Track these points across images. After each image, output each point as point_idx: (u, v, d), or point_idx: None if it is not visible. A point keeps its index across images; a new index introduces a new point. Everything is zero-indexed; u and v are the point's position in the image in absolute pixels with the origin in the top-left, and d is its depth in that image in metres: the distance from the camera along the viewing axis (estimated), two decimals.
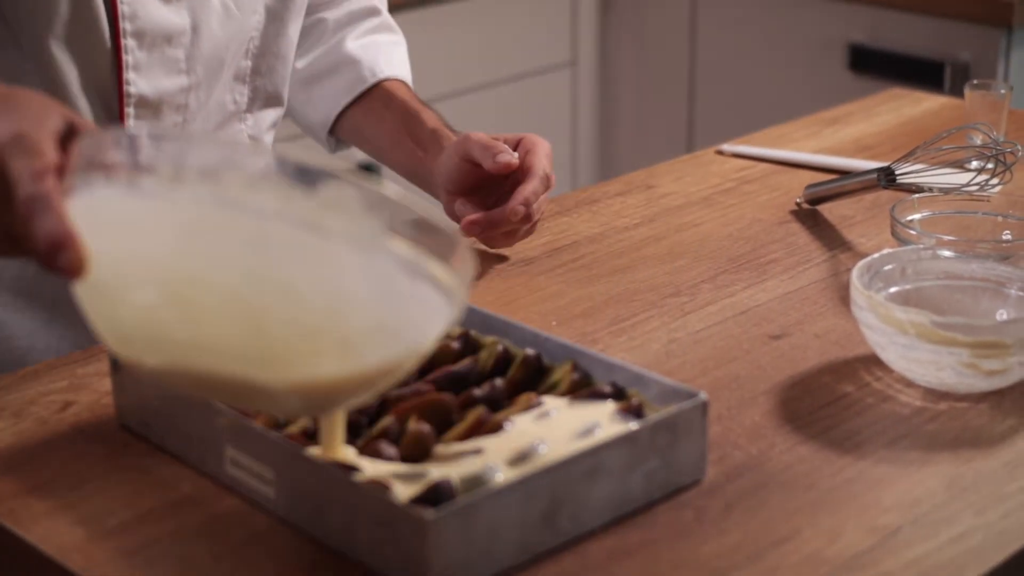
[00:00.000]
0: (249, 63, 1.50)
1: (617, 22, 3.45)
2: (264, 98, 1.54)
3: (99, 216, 0.93)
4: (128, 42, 1.36)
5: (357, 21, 1.66)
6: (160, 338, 0.94)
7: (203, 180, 0.91)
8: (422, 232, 0.93)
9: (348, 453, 1.04)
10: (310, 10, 1.63)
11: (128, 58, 1.37)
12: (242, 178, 0.91)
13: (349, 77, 1.63)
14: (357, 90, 1.63)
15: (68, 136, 0.97)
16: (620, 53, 3.47)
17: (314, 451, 1.04)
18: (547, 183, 1.44)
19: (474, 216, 1.43)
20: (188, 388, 0.98)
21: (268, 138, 1.57)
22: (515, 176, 1.44)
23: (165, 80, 1.41)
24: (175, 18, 1.39)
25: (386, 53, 1.65)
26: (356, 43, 1.65)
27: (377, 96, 1.62)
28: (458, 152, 1.47)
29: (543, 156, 1.44)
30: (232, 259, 0.91)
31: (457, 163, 1.46)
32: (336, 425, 1.04)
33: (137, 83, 1.38)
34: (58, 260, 0.90)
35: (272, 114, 1.56)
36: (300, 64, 1.64)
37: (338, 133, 1.66)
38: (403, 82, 1.64)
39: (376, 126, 1.61)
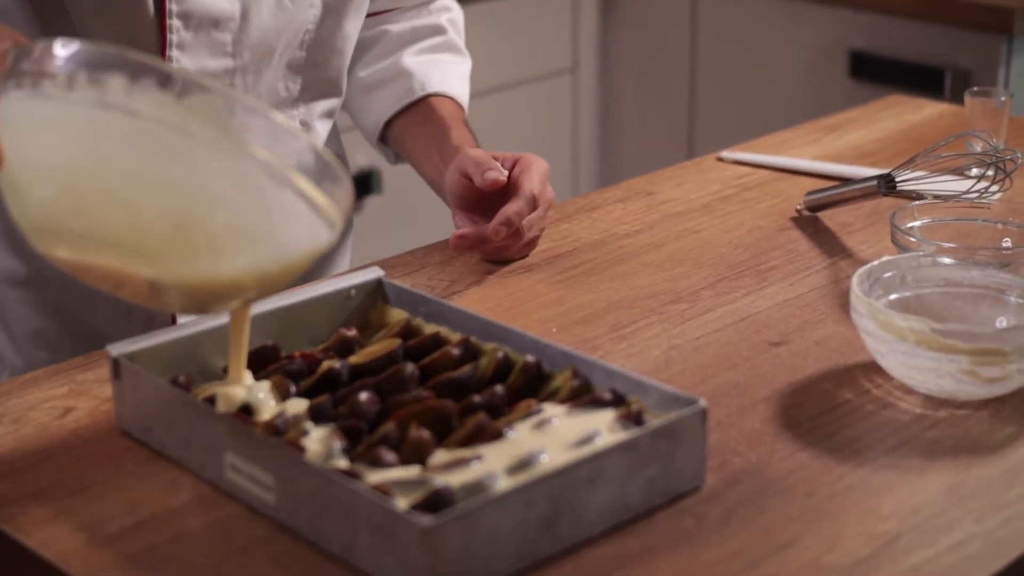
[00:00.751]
0: (304, 54, 1.53)
1: (618, 28, 3.45)
2: (318, 88, 1.57)
3: (11, 118, 1.05)
4: (174, 22, 1.40)
5: (421, 38, 1.69)
6: (62, 230, 1.06)
7: (91, 85, 1.03)
8: (313, 160, 1.06)
9: (247, 380, 1.14)
10: (376, 21, 1.66)
11: (172, 37, 1.41)
12: (123, 84, 1.03)
13: (400, 89, 1.66)
14: (404, 101, 1.66)
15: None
16: (621, 59, 3.47)
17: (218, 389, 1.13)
18: (533, 204, 1.44)
19: (462, 231, 1.44)
20: (94, 281, 1.09)
21: (321, 125, 1.61)
22: (508, 194, 1.45)
23: (210, 61, 1.44)
24: (224, 3, 1.43)
25: (442, 71, 1.68)
26: (414, 58, 1.68)
27: (421, 109, 1.65)
28: (457, 167, 1.48)
29: (535, 176, 1.45)
30: (112, 157, 1.03)
31: (457, 178, 1.48)
32: (238, 348, 1.14)
33: (180, 60, 1.42)
34: None
35: (327, 104, 1.60)
36: (362, 73, 1.68)
37: (387, 142, 1.69)
38: (453, 99, 1.66)
39: (414, 138, 1.64)
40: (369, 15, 1.63)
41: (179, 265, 1.06)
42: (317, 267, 1.66)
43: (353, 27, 1.57)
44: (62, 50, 1.04)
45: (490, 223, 1.42)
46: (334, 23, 1.53)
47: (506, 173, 1.45)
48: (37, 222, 1.07)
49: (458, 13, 1.73)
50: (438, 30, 1.69)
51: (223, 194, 1.04)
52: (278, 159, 1.04)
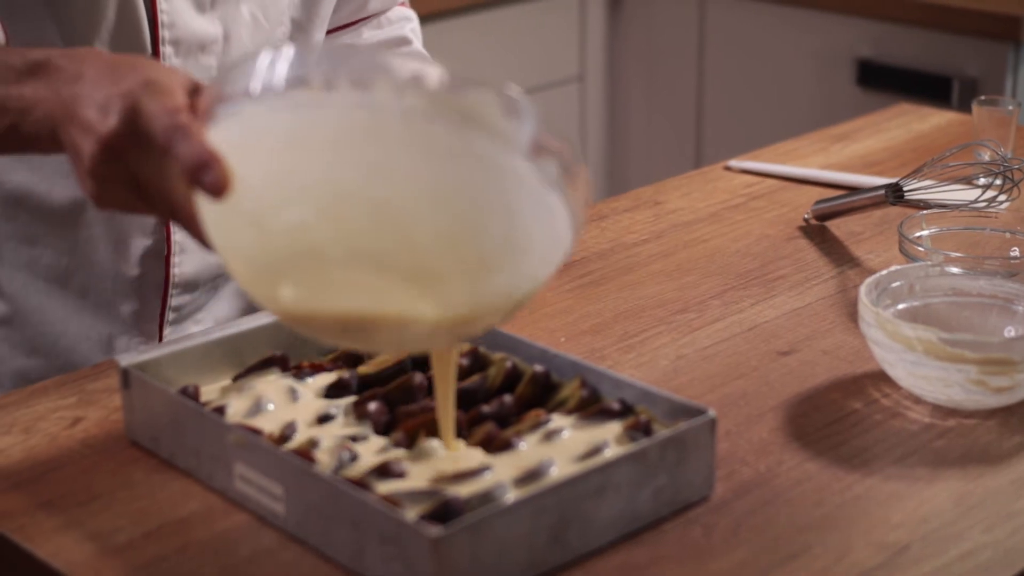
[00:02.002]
0: None
1: (625, 36, 3.45)
2: None
3: (244, 137, 0.95)
4: (166, 49, 1.38)
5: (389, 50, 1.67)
6: (311, 261, 0.95)
7: (354, 87, 0.93)
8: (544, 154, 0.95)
9: (460, 445, 1.08)
10: (337, 37, 1.64)
11: (165, 64, 1.38)
12: (390, 84, 0.93)
13: None
14: None
15: (194, 92, 1.00)
16: (628, 68, 3.47)
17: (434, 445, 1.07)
18: None
19: None
20: (316, 326, 1.01)
21: None
22: None
23: None
24: (209, 27, 1.41)
25: None
26: None
27: None
28: None
29: None
30: (384, 163, 0.93)
31: None
32: (448, 410, 1.07)
33: None
34: (203, 180, 0.93)
35: None
36: None
37: None
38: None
39: None
40: (329, 31, 1.61)
41: (443, 286, 0.96)
42: None
43: (320, 40, 1.56)
44: (299, 57, 0.95)
45: None
46: (304, 39, 1.52)
47: None
48: (277, 254, 0.96)
49: (417, 23, 1.72)
50: (403, 41, 1.69)
51: (503, 200, 0.95)
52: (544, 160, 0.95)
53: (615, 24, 3.46)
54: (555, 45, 3.37)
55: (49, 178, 1.41)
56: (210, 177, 0.94)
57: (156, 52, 1.38)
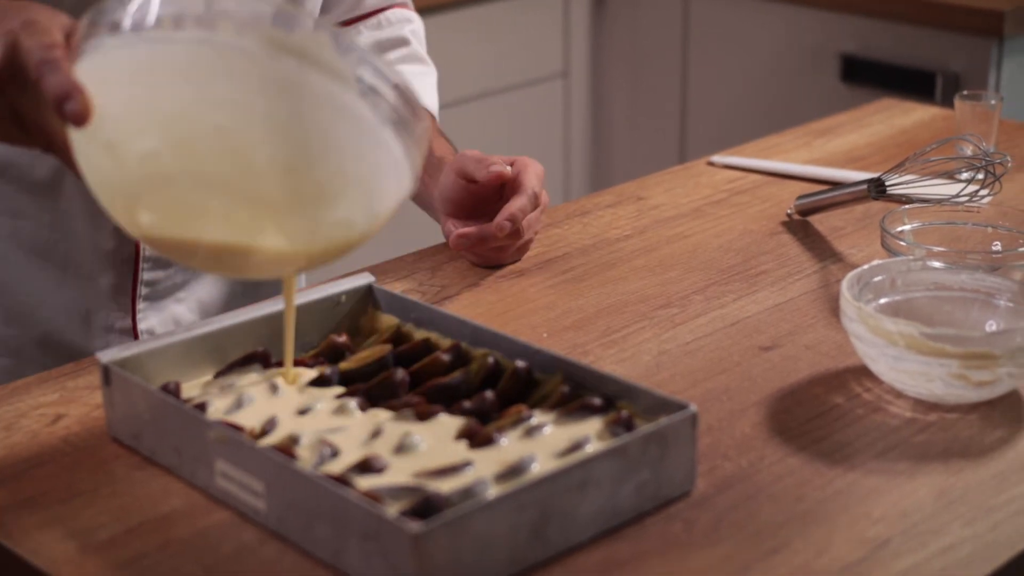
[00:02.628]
0: None
1: (609, 33, 3.45)
2: None
3: (106, 70, 1.02)
4: None
5: (385, 51, 1.68)
6: (162, 186, 1.03)
7: (200, 26, 1.01)
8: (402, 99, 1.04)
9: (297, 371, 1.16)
10: None
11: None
12: (232, 24, 1.01)
13: None
14: None
15: (72, 33, 1.06)
16: (612, 64, 3.47)
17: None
18: (536, 201, 1.45)
19: (463, 230, 1.44)
20: (172, 249, 1.09)
21: None
22: (506, 195, 1.45)
23: None
24: None
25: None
26: None
27: None
28: (453, 168, 1.48)
29: (533, 176, 1.45)
30: (224, 96, 1.01)
31: (453, 180, 1.47)
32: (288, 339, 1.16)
33: None
34: (65, 109, 0.99)
35: None
36: None
37: None
38: (426, 111, 1.66)
39: None
40: None
41: (284, 215, 1.04)
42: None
43: None
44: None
45: (495, 220, 1.42)
46: None
47: (508, 167, 1.45)
48: (133, 181, 1.04)
49: (419, 24, 1.72)
50: (402, 42, 1.69)
51: (337, 134, 1.02)
52: (381, 98, 1.03)
53: (599, 20, 3.46)
54: (539, 41, 3.37)
55: (30, 150, 1.42)
56: (71, 106, 1.00)
57: None
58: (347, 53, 1.03)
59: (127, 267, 1.49)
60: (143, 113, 1.02)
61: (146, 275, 1.50)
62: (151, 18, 1.02)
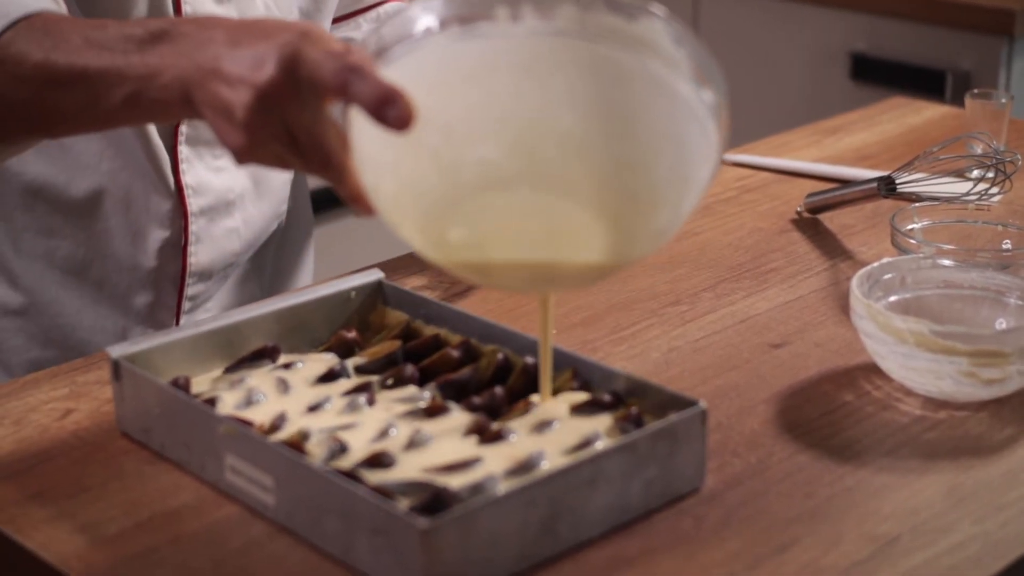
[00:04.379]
0: None
1: None
2: None
3: (430, 70, 0.96)
4: None
5: None
6: (492, 191, 0.95)
7: (539, 15, 0.94)
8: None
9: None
10: (337, 28, 1.63)
11: None
12: (573, 10, 0.94)
13: None
14: None
15: (350, 51, 0.99)
16: None
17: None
18: None
19: None
20: (478, 268, 1.02)
21: None
22: None
23: None
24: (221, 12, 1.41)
25: None
26: None
27: None
28: None
29: None
30: (571, 94, 0.94)
31: None
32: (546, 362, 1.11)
33: None
34: (388, 113, 0.93)
35: None
36: None
37: None
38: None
39: None
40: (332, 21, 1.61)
41: (616, 222, 0.97)
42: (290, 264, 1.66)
43: (327, 28, 1.56)
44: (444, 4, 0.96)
45: None
46: None
47: None
48: (458, 190, 0.96)
49: None
50: None
51: (673, 130, 0.96)
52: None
53: None
54: None
55: (67, 170, 1.42)
56: (394, 111, 0.93)
57: None
58: (680, 44, 0.97)
59: (170, 285, 1.48)
60: (476, 115, 0.95)
61: (190, 291, 1.49)
62: (457, 17, 0.95)
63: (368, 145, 0.98)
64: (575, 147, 0.94)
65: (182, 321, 1.51)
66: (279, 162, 1.02)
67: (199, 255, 1.48)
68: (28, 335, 1.49)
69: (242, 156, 1.01)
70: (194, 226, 1.45)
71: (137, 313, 1.49)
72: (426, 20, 0.96)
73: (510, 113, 0.94)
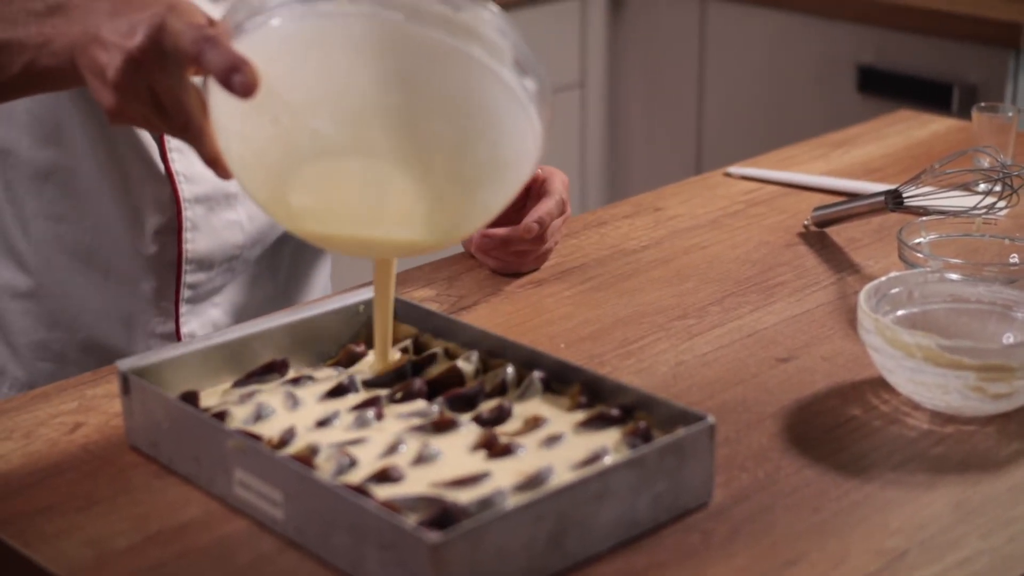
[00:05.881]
0: None
1: (626, 43, 3.45)
2: None
3: (266, 47, 1.04)
4: None
5: None
6: (322, 158, 1.05)
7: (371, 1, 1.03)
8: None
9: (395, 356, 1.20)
10: None
11: None
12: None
13: None
14: None
15: (210, 23, 1.08)
16: (629, 74, 3.47)
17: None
18: (563, 207, 1.46)
19: (488, 231, 1.44)
20: (309, 224, 1.10)
21: None
22: (531, 202, 1.46)
23: None
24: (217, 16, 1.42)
25: None
26: None
27: None
28: None
29: (559, 183, 1.47)
30: (399, 71, 1.04)
31: None
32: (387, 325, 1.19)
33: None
34: (233, 81, 1.02)
35: None
36: None
37: None
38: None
39: None
40: None
41: (440, 193, 1.07)
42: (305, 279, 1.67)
43: None
44: None
45: (523, 222, 1.44)
46: None
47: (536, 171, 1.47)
48: (294, 155, 1.06)
49: None
50: None
51: (499, 111, 1.06)
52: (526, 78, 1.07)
53: (616, 30, 3.46)
54: (556, 51, 3.38)
55: (72, 156, 1.44)
56: (239, 78, 1.02)
57: None
58: (504, 35, 1.06)
59: (169, 272, 1.50)
60: (310, 86, 1.04)
61: (189, 278, 1.51)
62: None
63: (221, 112, 1.07)
64: (400, 124, 1.04)
65: (183, 310, 1.51)
66: (146, 123, 1.10)
67: (196, 242, 1.49)
68: (35, 317, 1.51)
69: (113, 115, 1.09)
70: (189, 212, 1.47)
71: (142, 299, 1.50)
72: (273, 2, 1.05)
73: (342, 88, 1.04)
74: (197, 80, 1.09)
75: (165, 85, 1.06)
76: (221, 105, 1.06)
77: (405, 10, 1.03)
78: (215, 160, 1.09)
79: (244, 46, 1.04)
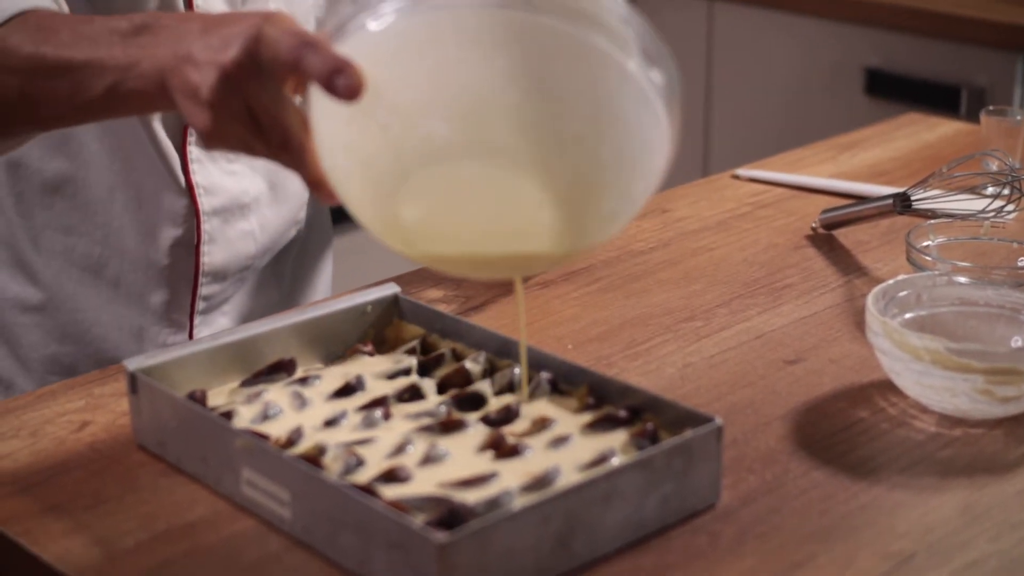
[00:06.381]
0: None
1: None
2: None
3: (372, 49, 0.97)
4: None
5: None
6: (439, 163, 0.97)
7: None
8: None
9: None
10: None
11: None
12: None
13: None
14: None
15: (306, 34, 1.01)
16: None
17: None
18: None
19: None
20: (427, 242, 1.03)
21: None
22: None
23: None
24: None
25: None
26: None
27: None
28: None
29: None
30: (517, 68, 0.95)
31: None
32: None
33: None
34: (337, 83, 0.95)
35: None
36: None
37: None
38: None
39: None
40: None
41: (565, 197, 0.98)
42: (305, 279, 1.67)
43: None
44: None
45: None
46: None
47: None
48: (407, 162, 0.97)
49: None
50: None
51: (621, 110, 0.98)
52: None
53: None
54: None
55: (83, 168, 1.44)
56: (343, 80, 0.95)
57: None
58: (628, 24, 0.98)
59: (184, 283, 1.49)
60: (424, 86, 0.96)
61: (204, 290, 1.50)
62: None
63: (325, 125, 1.00)
64: (519, 123, 0.96)
65: (196, 322, 1.51)
66: (243, 145, 1.04)
67: (213, 255, 1.48)
68: (46, 331, 1.51)
69: (208, 138, 1.03)
70: (207, 225, 1.46)
71: (153, 312, 1.50)
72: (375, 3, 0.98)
73: (456, 87, 0.96)
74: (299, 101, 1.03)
75: (262, 101, 1.01)
76: (325, 117, 0.99)
77: (522, 2, 0.95)
78: (318, 183, 1.03)
79: (347, 48, 0.97)
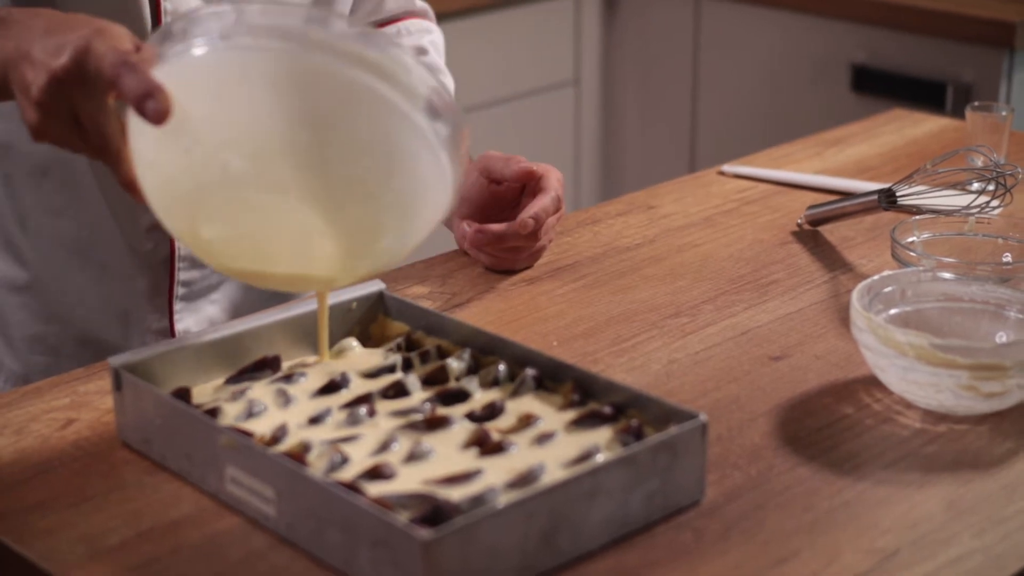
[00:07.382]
0: None
1: (620, 41, 3.45)
2: None
3: (185, 77, 1.06)
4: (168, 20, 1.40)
5: None
6: (231, 188, 1.07)
7: (284, 37, 1.06)
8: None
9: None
10: None
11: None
12: (320, 35, 1.06)
13: None
14: None
15: (138, 48, 1.09)
16: (623, 72, 3.47)
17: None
18: (558, 204, 1.46)
19: (482, 226, 1.45)
20: (220, 255, 1.13)
21: None
22: (526, 199, 1.47)
23: None
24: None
25: None
26: None
27: None
28: (477, 168, 1.49)
29: (555, 180, 1.46)
30: (308, 110, 1.06)
31: (475, 180, 1.49)
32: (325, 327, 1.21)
33: None
34: (146, 107, 1.04)
35: None
36: None
37: None
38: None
39: None
40: None
41: (344, 232, 1.09)
42: None
43: (345, 8, 1.57)
44: (237, 14, 1.07)
45: (518, 218, 1.44)
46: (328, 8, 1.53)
47: (533, 166, 1.47)
48: (203, 185, 1.07)
49: (439, 35, 1.72)
50: (420, 51, 1.69)
51: (410, 153, 1.07)
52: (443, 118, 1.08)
53: (610, 28, 3.46)
54: (550, 49, 3.38)
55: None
56: (153, 104, 1.03)
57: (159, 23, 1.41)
58: (420, 79, 1.06)
59: (163, 268, 1.50)
60: (225, 120, 1.06)
61: (182, 275, 1.51)
62: (230, 28, 1.06)
63: (138, 138, 1.08)
64: (307, 162, 1.07)
65: (177, 307, 1.52)
66: (66, 143, 1.11)
67: None
68: (32, 311, 1.52)
69: (36, 132, 1.10)
70: None
71: (137, 294, 1.51)
72: (211, 23, 1.07)
73: (253, 123, 1.06)
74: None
75: (86, 107, 1.07)
76: (138, 133, 1.07)
77: (321, 48, 1.05)
78: (131, 185, 1.10)
79: (164, 73, 1.06)
